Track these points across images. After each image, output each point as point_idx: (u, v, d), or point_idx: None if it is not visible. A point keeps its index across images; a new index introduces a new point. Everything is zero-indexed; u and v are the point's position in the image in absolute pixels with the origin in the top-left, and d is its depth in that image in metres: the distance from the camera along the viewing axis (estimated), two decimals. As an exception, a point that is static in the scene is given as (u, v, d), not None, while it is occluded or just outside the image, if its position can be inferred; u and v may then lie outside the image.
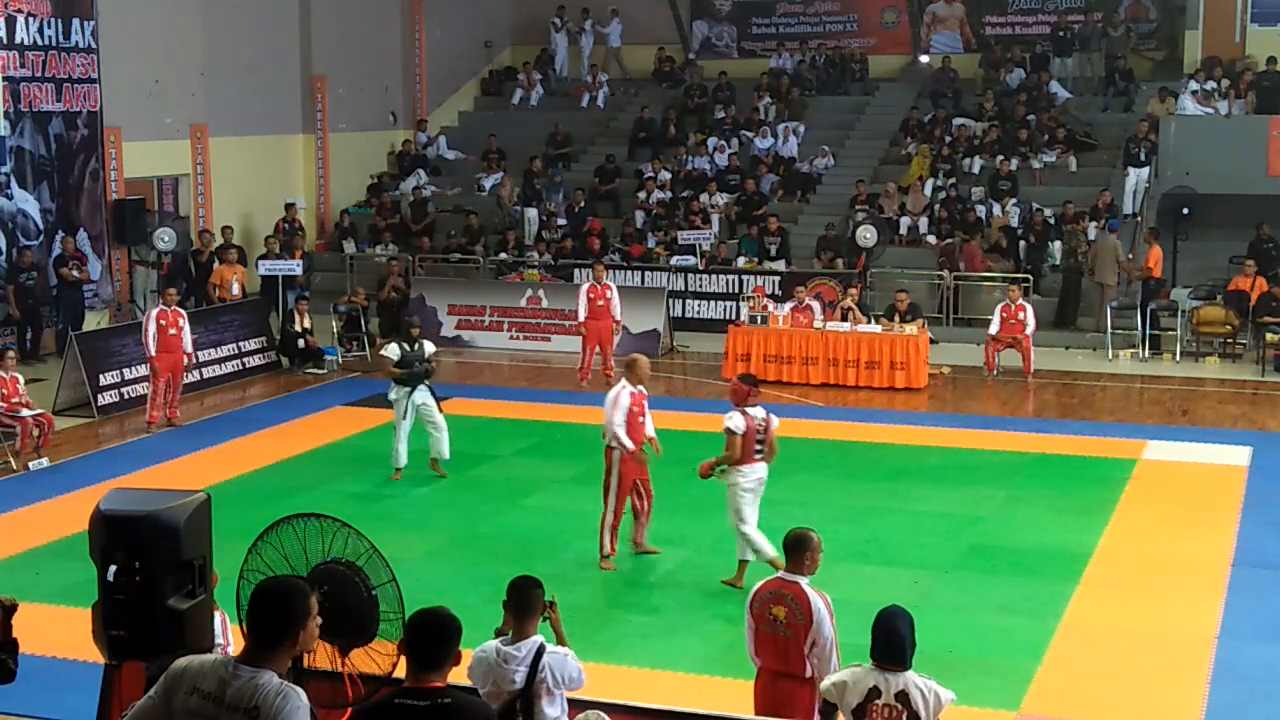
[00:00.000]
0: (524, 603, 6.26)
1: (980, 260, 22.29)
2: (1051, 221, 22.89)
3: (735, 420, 10.93)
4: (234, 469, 14.75)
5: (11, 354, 15.73)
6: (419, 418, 14.27)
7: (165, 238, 21.47)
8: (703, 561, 11.80)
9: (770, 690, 7.23)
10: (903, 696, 5.96)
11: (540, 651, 6.18)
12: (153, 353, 16.35)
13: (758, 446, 11.01)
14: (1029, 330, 19.37)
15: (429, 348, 14.54)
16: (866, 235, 21.95)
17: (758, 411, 11.08)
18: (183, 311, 17.03)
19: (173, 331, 16.50)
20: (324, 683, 6.12)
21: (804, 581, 7.19)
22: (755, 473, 11.05)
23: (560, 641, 6.50)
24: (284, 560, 6.14)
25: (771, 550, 10.83)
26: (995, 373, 19.40)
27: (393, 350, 14.33)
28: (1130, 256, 21.85)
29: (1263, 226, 21.63)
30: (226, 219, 23.49)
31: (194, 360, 17.42)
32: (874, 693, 5.97)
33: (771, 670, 7.21)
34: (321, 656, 6.06)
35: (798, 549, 7.26)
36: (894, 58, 29.58)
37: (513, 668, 6.14)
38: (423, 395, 14.21)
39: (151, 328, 16.40)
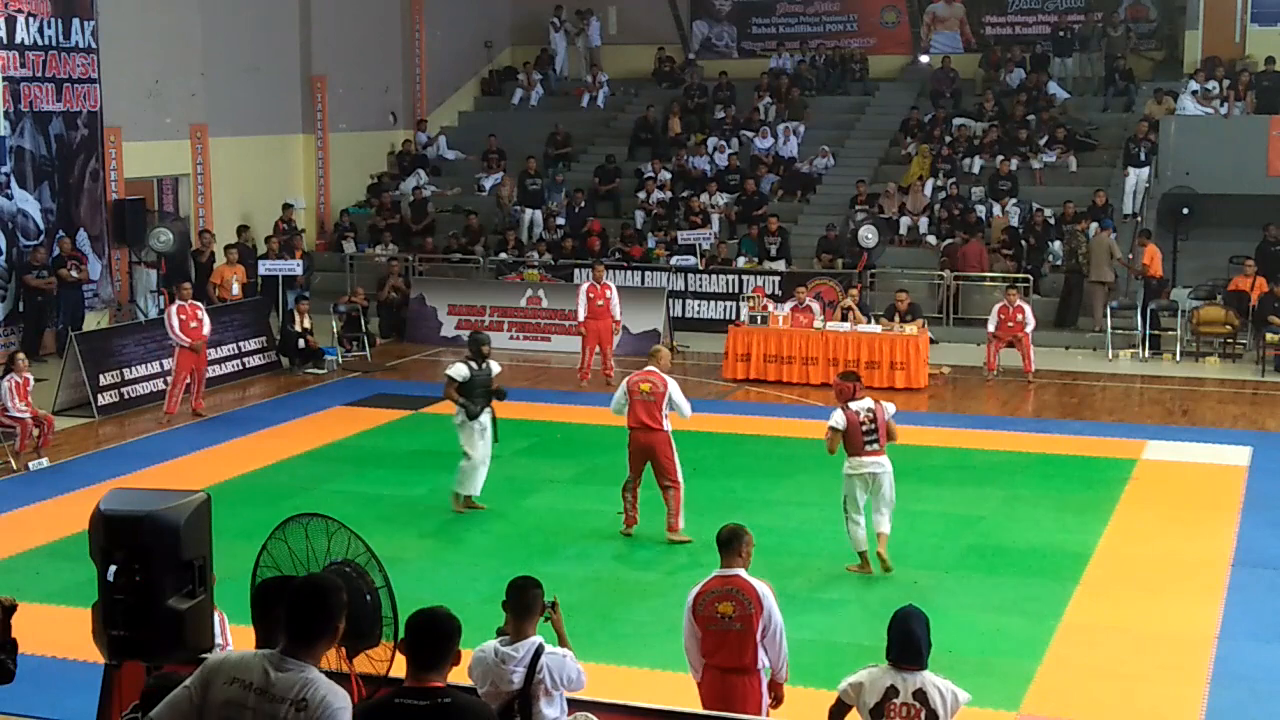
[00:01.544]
0: (522, 603, 6.26)
1: (985, 258, 22.26)
2: (1052, 222, 22.89)
3: (836, 417, 11.35)
4: (234, 469, 14.75)
5: (23, 358, 15.83)
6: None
7: (162, 238, 21.36)
8: (703, 561, 11.77)
9: (720, 686, 7.27)
10: (920, 695, 5.98)
11: (538, 652, 6.18)
12: (185, 342, 16.89)
13: (868, 439, 11.29)
14: (1028, 329, 19.38)
15: (494, 367, 13.35)
16: (868, 235, 21.95)
17: (862, 404, 11.41)
18: (200, 304, 17.65)
19: (194, 324, 17.06)
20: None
21: (744, 573, 7.32)
22: (864, 467, 11.31)
23: (562, 642, 6.50)
24: (293, 560, 6.11)
25: (863, 546, 11.39)
26: (995, 373, 19.40)
27: (459, 370, 13.00)
28: (1130, 256, 21.86)
29: (1269, 228, 21.61)
30: (227, 219, 23.51)
31: (205, 346, 17.63)
32: (891, 692, 5.99)
33: (720, 667, 7.28)
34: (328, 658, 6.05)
35: (733, 543, 7.39)
36: (894, 58, 29.58)
37: (510, 668, 6.14)
38: (486, 419, 13.12)
39: (175, 322, 16.97)
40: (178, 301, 17.35)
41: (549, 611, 6.41)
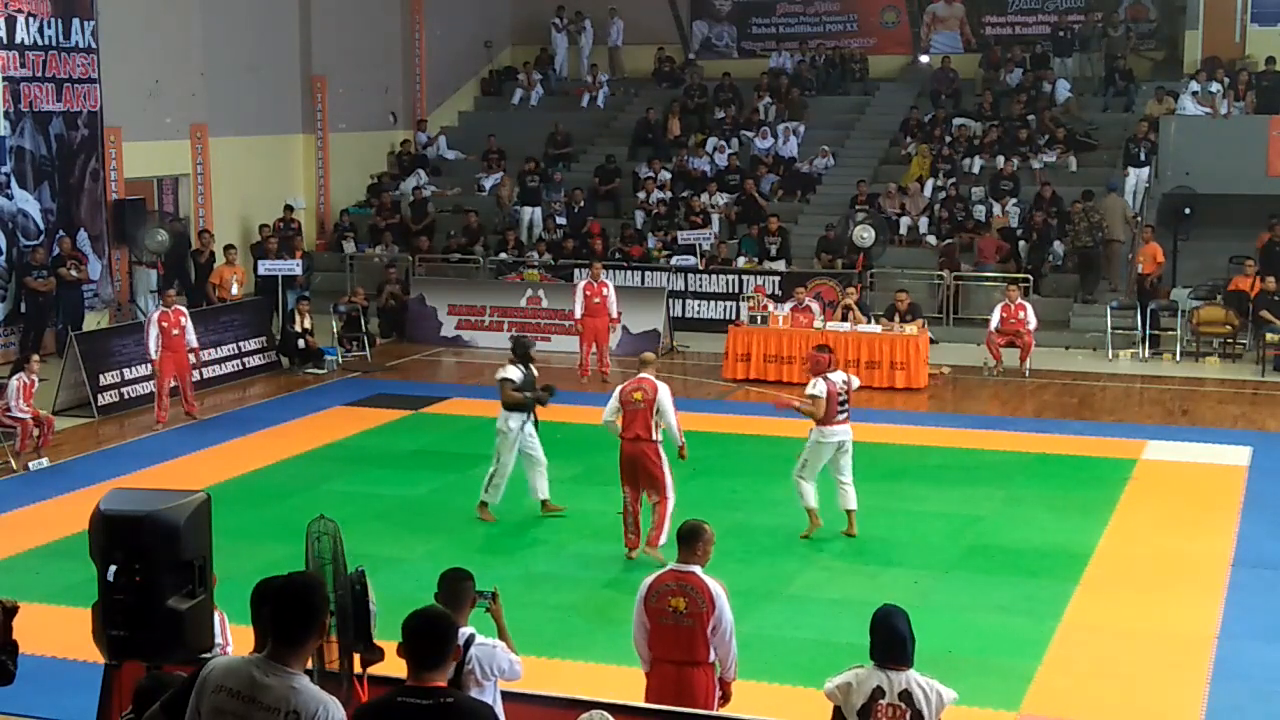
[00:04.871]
0: (452, 594, 6.38)
1: (1002, 248, 22.31)
2: (1053, 221, 22.86)
3: (819, 386, 12.14)
4: (234, 469, 14.75)
5: (36, 359, 15.83)
6: (520, 450, 13.10)
7: (159, 237, 21.21)
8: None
9: (674, 680, 7.25)
10: (906, 695, 5.97)
11: (468, 643, 6.27)
12: (153, 355, 16.64)
13: (841, 408, 12.23)
14: (1030, 326, 19.40)
15: (534, 371, 13.31)
16: (864, 235, 21.94)
17: (838, 376, 12.36)
18: (184, 309, 17.32)
19: (175, 332, 16.78)
20: (335, 684, 6.12)
21: (699, 570, 7.31)
22: (836, 435, 12.24)
23: (502, 634, 6.60)
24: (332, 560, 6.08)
25: (813, 502, 12.33)
26: (1000, 364, 19.37)
27: (513, 372, 12.93)
28: (1130, 257, 21.88)
29: (1277, 227, 21.58)
30: (227, 219, 23.52)
31: (199, 356, 17.72)
32: (878, 693, 5.97)
33: (673, 661, 7.27)
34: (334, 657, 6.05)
35: (691, 539, 7.37)
36: (894, 58, 29.59)
37: None
38: (530, 425, 13.10)
39: (154, 330, 16.68)
40: (161, 308, 17.11)
41: (488, 603, 6.54)
